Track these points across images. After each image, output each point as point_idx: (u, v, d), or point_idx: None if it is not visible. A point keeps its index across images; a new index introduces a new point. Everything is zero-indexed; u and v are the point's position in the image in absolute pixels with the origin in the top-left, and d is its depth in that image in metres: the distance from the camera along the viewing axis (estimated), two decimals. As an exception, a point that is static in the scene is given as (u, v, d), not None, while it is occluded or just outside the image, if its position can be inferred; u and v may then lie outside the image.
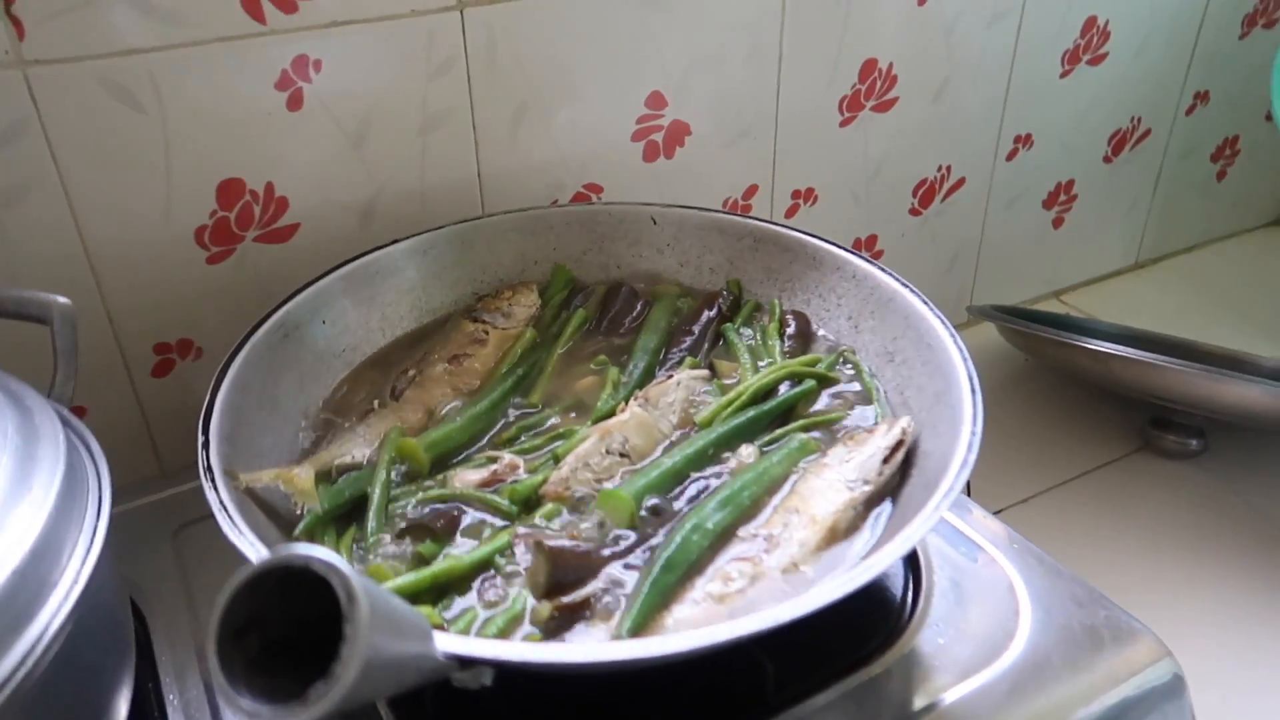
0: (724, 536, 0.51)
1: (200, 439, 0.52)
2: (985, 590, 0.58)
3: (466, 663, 0.40)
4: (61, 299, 0.53)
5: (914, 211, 1.03)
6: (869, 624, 0.55)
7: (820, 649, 0.53)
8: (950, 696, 0.51)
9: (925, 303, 0.62)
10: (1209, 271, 1.27)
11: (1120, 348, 0.85)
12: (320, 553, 0.31)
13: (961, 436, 0.51)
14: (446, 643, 0.39)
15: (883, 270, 0.65)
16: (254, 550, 0.46)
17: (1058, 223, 1.14)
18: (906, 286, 0.63)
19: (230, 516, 0.47)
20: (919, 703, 0.51)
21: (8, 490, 0.39)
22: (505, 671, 0.41)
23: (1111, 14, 1.02)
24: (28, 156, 0.63)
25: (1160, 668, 0.54)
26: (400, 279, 0.71)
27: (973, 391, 0.53)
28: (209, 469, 0.50)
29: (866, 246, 1.02)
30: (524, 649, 0.43)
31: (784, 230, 0.71)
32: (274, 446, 0.58)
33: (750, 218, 0.73)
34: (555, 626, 0.47)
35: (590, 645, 0.44)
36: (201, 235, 0.71)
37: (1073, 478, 0.92)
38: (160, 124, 0.66)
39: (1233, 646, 0.75)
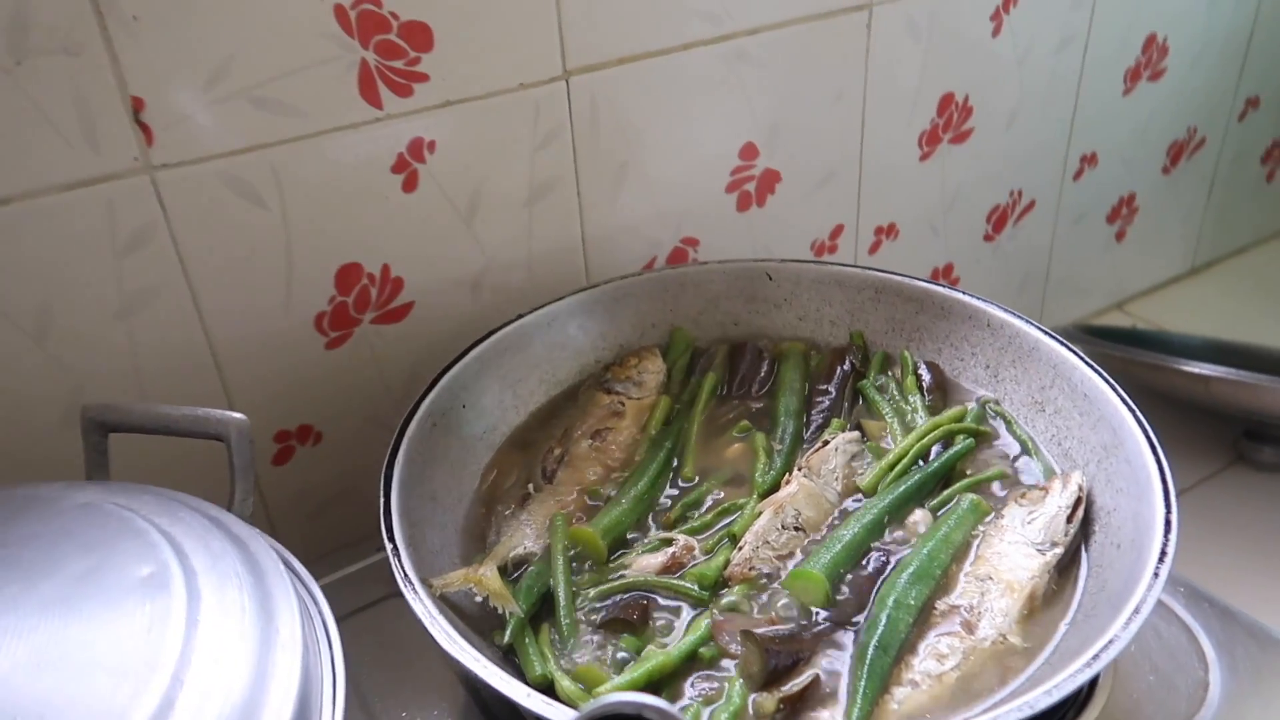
0: (924, 610, 0.51)
1: (389, 546, 0.52)
2: (1165, 639, 0.58)
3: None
4: (238, 415, 0.52)
5: (988, 237, 1.03)
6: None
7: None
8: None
9: (1074, 351, 0.62)
10: (1263, 270, 1.28)
11: (1221, 369, 0.86)
12: (652, 700, 0.31)
13: (1154, 496, 0.51)
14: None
15: (1021, 319, 0.65)
16: (475, 663, 0.45)
17: (1120, 236, 1.15)
18: (1051, 336, 0.63)
19: (444, 629, 0.47)
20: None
21: (260, 637, 0.39)
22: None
23: (1170, 29, 1.03)
24: (155, 260, 0.63)
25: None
26: (527, 354, 0.70)
27: (1152, 446, 0.53)
28: (408, 579, 0.50)
29: (944, 275, 1.02)
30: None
31: (907, 280, 0.71)
32: (443, 545, 0.58)
33: (869, 268, 0.73)
34: (783, 719, 0.47)
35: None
36: (320, 322, 0.70)
37: (1173, 496, 0.92)
38: (281, 216, 0.66)
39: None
